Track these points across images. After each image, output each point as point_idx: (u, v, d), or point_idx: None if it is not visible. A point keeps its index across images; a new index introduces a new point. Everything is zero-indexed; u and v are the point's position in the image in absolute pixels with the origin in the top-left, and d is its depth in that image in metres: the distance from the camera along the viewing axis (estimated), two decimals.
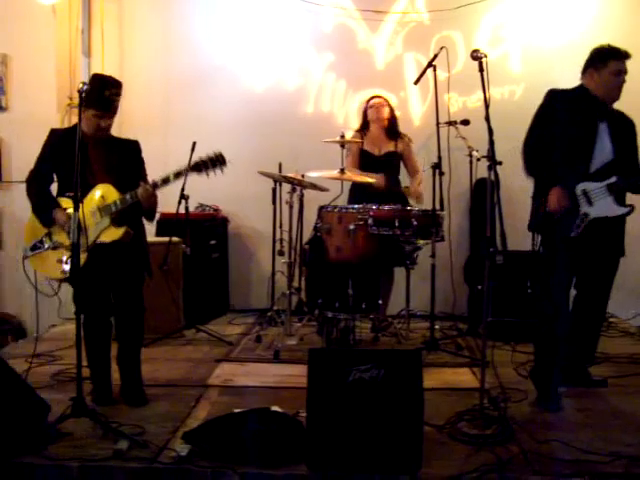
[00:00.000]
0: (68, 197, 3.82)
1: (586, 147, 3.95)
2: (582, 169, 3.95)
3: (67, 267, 3.82)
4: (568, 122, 3.93)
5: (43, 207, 3.95)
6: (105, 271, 3.95)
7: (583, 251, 3.96)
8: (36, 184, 4.00)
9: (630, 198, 4.08)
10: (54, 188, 4.05)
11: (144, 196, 3.81)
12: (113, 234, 3.86)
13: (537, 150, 3.99)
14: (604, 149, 3.97)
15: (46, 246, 3.97)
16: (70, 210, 3.66)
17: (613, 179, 3.93)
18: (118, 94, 3.93)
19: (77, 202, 3.46)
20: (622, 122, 4.10)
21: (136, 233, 3.99)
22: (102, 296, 4.02)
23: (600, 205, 3.94)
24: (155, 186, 3.84)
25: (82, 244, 3.65)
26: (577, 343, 4.17)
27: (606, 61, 3.98)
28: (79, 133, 3.54)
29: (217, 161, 3.85)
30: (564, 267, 3.95)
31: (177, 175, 3.85)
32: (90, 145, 3.93)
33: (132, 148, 4.13)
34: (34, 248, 4.01)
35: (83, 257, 3.74)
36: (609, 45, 4.03)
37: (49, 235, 3.97)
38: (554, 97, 4.04)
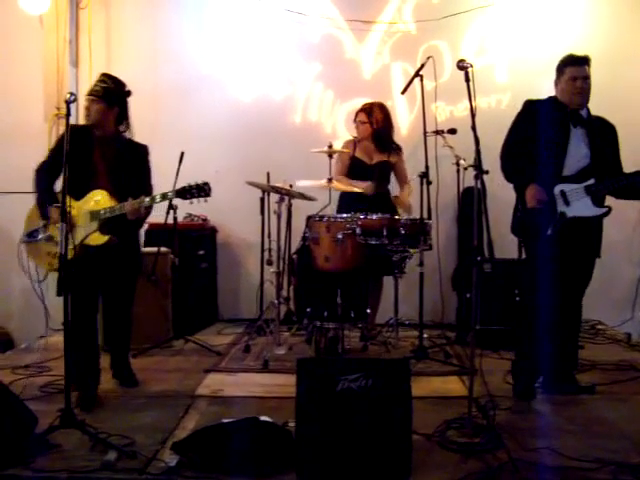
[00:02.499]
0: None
1: (559, 150, 4.03)
2: (556, 172, 4.03)
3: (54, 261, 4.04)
4: (542, 127, 4.02)
5: (42, 201, 4.17)
6: (92, 271, 4.12)
7: (560, 252, 4.00)
8: (42, 176, 4.22)
9: (614, 205, 4.13)
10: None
11: (129, 210, 4.04)
12: (97, 239, 4.09)
13: (513, 155, 4.10)
14: (579, 154, 4.06)
15: (40, 237, 4.20)
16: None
17: (591, 181, 4.01)
18: (102, 81, 4.22)
19: (65, 215, 3.51)
20: (601, 128, 4.17)
21: (126, 239, 4.19)
22: (88, 295, 4.16)
23: (577, 205, 4.03)
24: (141, 202, 4.05)
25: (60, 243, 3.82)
26: (558, 349, 4.20)
27: (563, 68, 4.10)
28: (66, 142, 3.57)
29: (202, 190, 4.06)
30: (544, 266, 4.00)
31: (163, 197, 4.11)
32: (97, 144, 4.18)
33: (139, 152, 4.36)
34: (30, 236, 4.26)
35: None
36: (569, 54, 4.13)
37: (45, 227, 4.19)
38: (529, 106, 4.18)
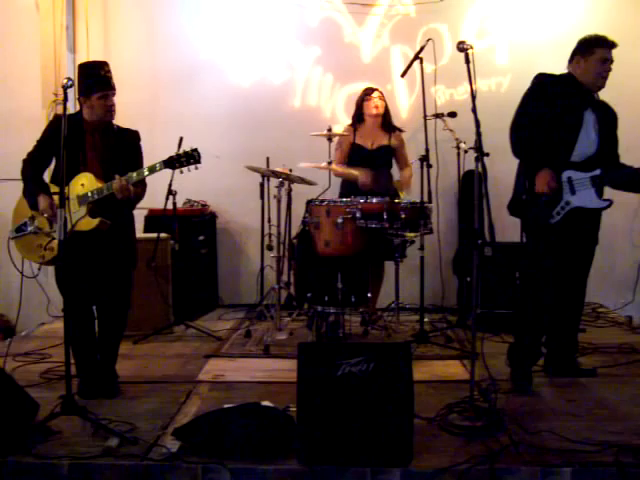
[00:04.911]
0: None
1: (571, 134, 3.97)
2: (564, 156, 3.97)
3: (45, 253, 3.96)
4: (555, 105, 3.96)
5: (31, 190, 4.00)
6: (85, 259, 3.95)
7: (561, 239, 3.99)
8: (30, 166, 4.06)
9: (613, 194, 4.10)
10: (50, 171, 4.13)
11: (117, 188, 3.82)
12: (88, 224, 3.90)
13: (524, 128, 4.00)
14: (589, 140, 4.00)
15: (29, 229, 4.04)
16: (56, 197, 3.74)
17: (597, 172, 3.95)
18: (110, 71, 4.00)
19: (63, 198, 3.44)
20: (606, 112, 4.14)
21: (119, 223, 4.02)
22: (82, 283, 3.97)
23: (582, 195, 3.96)
24: (129, 179, 3.85)
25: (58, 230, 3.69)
26: (559, 332, 4.22)
27: (593, 48, 4.02)
28: (64, 125, 3.51)
29: (191, 157, 3.85)
30: (547, 252, 4.00)
31: (151, 170, 3.87)
32: (88, 132, 4.01)
33: (130, 137, 4.17)
34: (19, 230, 4.09)
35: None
36: (596, 34, 4.07)
37: (33, 219, 4.03)
38: (542, 80, 4.08)
